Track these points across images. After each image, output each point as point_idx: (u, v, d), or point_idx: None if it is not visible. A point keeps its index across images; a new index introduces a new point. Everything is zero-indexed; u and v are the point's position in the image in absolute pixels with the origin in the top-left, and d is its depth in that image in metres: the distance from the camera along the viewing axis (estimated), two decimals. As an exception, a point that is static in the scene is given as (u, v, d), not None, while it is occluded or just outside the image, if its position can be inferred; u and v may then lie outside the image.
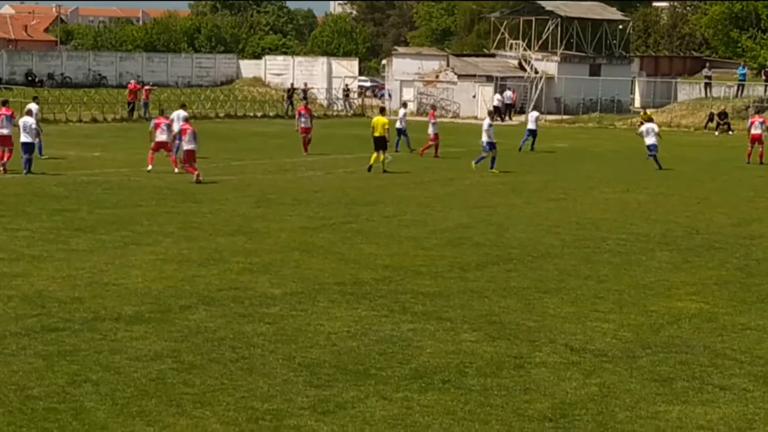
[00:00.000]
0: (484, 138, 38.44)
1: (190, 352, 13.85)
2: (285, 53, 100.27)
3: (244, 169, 37.49)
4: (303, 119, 44.34)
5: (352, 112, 77.37)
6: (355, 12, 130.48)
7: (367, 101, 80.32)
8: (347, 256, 20.87)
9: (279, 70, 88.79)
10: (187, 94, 73.54)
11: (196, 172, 32.83)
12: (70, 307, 15.99)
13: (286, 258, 20.54)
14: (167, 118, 36.77)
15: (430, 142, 44.01)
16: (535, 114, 51.53)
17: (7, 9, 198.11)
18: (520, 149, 47.85)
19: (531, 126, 49.40)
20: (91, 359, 13.42)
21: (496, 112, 73.56)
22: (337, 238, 23.04)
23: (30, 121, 34.20)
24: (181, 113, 37.57)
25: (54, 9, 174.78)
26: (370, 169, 37.17)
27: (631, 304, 17.40)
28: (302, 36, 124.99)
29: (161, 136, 35.13)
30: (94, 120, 59.87)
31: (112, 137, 48.93)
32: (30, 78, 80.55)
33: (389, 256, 20.94)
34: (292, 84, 79.53)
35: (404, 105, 51.19)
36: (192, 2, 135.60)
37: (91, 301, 16.40)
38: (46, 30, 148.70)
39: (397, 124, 45.80)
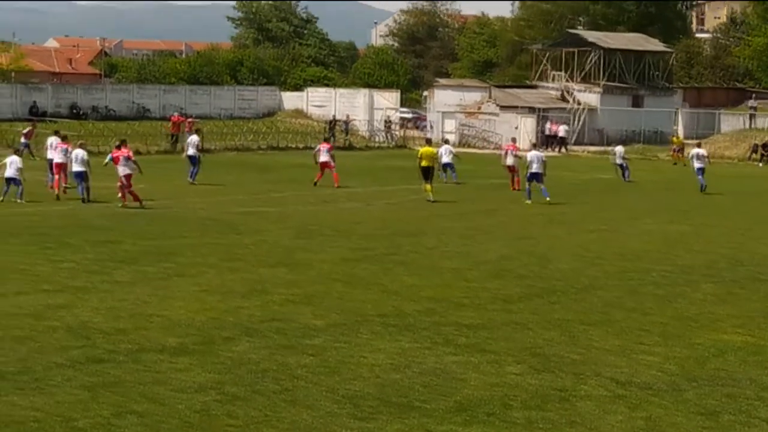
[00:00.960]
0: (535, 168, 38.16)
1: (234, 384, 13.85)
2: (327, 85, 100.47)
3: (285, 201, 37.56)
4: (324, 154, 43.41)
5: (393, 143, 77.40)
6: (396, 44, 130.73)
7: (409, 133, 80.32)
8: (390, 288, 20.83)
9: (321, 102, 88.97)
10: (230, 126, 73.89)
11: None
12: (114, 339, 16.04)
13: (329, 289, 20.53)
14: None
15: (511, 173, 43.29)
16: (620, 149, 51.13)
17: (52, 42, 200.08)
18: (626, 178, 48.71)
19: (618, 161, 49.21)
20: (136, 391, 13.44)
21: (560, 143, 73.82)
22: (380, 270, 23.03)
23: (81, 152, 35.36)
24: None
25: (98, 42, 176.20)
26: (430, 199, 37.17)
27: (676, 336, 17.26)
28: (344, 68, 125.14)
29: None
30: (138, 152, 59.84)
31: (154, 169, 49.10)
32: (75, 111, 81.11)
33: (432, 288, 20.90)
34: (334, 116, 79.72)
35: (446, 141, 51.12)
36: (234, 35, 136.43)
37: (134, 333, 16.45)
38: (91, 63, 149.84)
39: (444, 159, 45.23)
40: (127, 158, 34.36)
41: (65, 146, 37.78)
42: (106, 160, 35.24)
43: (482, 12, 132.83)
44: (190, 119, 66.87)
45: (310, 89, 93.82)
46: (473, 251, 26.25)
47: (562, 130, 75.17)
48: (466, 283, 21.58)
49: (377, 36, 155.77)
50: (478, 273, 22.94)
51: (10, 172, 34.97)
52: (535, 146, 42.66)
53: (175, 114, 70.00)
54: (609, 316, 18.71)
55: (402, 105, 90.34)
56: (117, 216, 31.37)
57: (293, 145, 71.10)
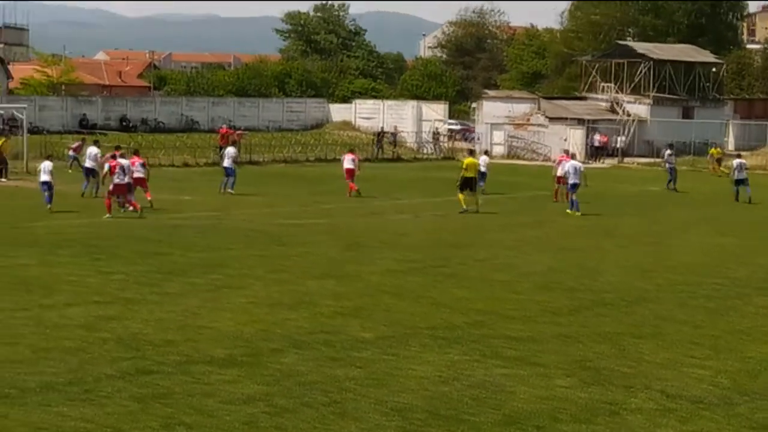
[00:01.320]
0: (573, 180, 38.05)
1: (282, 396, 13.85)
2: (374, 97, 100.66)
3: (333, 213, 37.61)
4: (348, 161, 44.71)
5: (441, 155, 77.36)
6: (445, 56, 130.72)
7: (457, 144, 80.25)
8: (438, 300, 20.78)
9: (368, 114, 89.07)
10: (278, 138, 74.13)
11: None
12: (164, 350, 16.09)
13: (377, 301, 20.51)
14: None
15: (559, 185, 43.03)
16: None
17: (102, 55, 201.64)
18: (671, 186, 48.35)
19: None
20: (185, 402, 13.47)
21: (610, 153, 73.84)
22: (428, 282, 22.97)
23: (124, 162, 35.42)
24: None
25: (147, 55, 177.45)
26: (464, 211, 37.17)
27: (728, 349, 17.10)
28: (392, 80, 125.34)
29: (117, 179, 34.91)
30: (186, 164, 60.54)
31: (203, 181, 49.39)
32: (124, 123, 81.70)
33: (481, 300, 20.82)
34: (382, 128, 79.79)
35: (486, 153, 51.06)
36: (282, 47, 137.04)
37: (183, 344, 16.49)
38: (140, 76, 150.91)
39: (481, 169, 45.28)
40: (143, 164, 35.35)
41: (140, 161, 37.43)
42: (105, 169, 35.75)
43: (531, 23, 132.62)
44: (238, 131, 67.15)
45: (357, 101, 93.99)
46: (521, 263, 26.15)
47: (619, 142, 75.47)
48: (515, 296, 21.49)
49: (425, 47, 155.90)
50: (526, 285, 22.84)
51: (44, 177, 35.33)
52: (573, 156, 42.51)
53: (224, 126, 70.31)
54: (660, 329, 18.56)
55: (450, 117, 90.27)
56: (166, 228, 31.51)
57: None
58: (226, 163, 44.12)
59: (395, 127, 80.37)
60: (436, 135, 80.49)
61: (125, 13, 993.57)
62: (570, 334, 17.95)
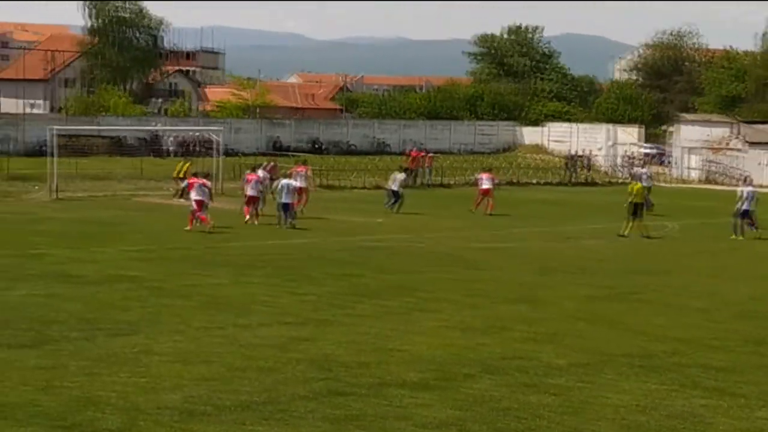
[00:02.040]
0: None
1: (475, 422, 13.65)
2: (567, 120, 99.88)
3: (525, 237, 37.30)
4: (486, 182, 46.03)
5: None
6: (640, 78, 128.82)
7: (653, 169, 78.88)
8: (634, 327, 20.31)
9: (560, 137, 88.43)
10: (469, 161, 74.11)
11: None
12: (356, 372, 16.07)
13: (571, 328, 20.16)
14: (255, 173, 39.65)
15: None
16: None
17: (294, 78, 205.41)
18: None
19: None
20: (378, 425, 13.38)
21: None
22: (624, 309, 22.52)
23: (291, 183, 37.65)
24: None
25: (339, 78, 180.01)
26: (624, 236, 36.52)
27: None
28: (584, 102, 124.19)
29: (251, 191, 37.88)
30: (377, 187, 60.83)
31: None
32: (316, 146, 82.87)
33: (678, 328, 20.28)
34: (576, 151, 79.02)
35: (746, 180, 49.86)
36: (473, 70, 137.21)
37: (376, 367, 16.45)
38: (332, 98, 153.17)
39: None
40: (202, 185, 35.97)
41: (304, 169, 41.21)
42: (183, 185, 36.90)
43: (730, 46, 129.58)
44: (429, 154, 67.29)
45: (550, 124, 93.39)
46: (720, 291, 25.44)
47: None
48: (714, 324, 20.89)
49: (617, 70, 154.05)
50: (726, 313, 22.19)
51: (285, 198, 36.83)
52: (750, 183, 41.13)
53: (414, 149, 70.59)
54: None
55: (645, 140, 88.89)
56: (358, 250, 31.68)
57: (533, 181, 70.72)
58: (394, 186, 44.67)
59: (589, 151, 79.52)
60: (630, 159, 79.32)
61: (318, 36, 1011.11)
62: (773, 365, 17.32)
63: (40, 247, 29.90)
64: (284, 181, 37.50)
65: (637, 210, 37.66)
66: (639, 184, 39.41)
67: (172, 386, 14.90)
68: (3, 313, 19.80)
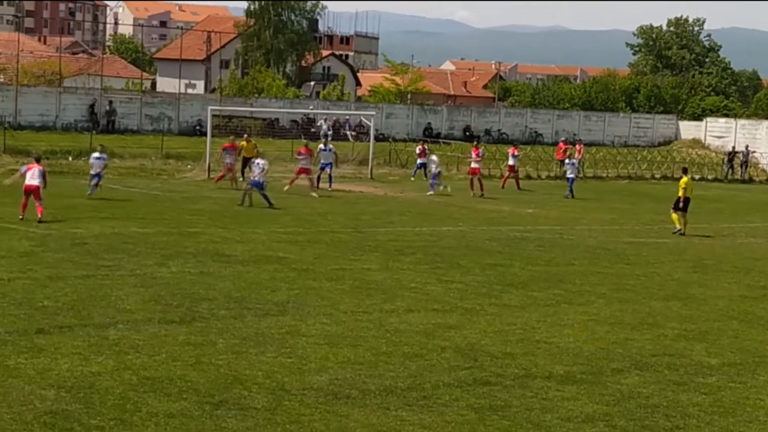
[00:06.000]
0: None
1: (623, 417, 13.41)
2: (726, 115, 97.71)
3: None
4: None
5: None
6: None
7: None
8: (790, 329, 19.76)
9: (720, 133, 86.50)
10: (623, 154, 73.05)
11: None
12: (502, 362, 15.94)
13: (724, 327, 19.70)
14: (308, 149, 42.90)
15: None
16: None
17: (448, 65, 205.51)
18: None
19: None
20: (523, 416, 13.24)
21: None
22: (779, 309, 21.92)
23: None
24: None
25: (493, 66, 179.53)
26: (677, 231, 35.25)
27: None
28: (745, 98, 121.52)
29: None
30: (528, 176, 60.37)
31: (545, 194, 49.17)
32: (468, 133, 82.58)
33: (837, 332, 19.64)
34: (734, 147, 77.22)
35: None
36: (632, 61, 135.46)
37: (522, 358, 16.29)
38: (485, 86, 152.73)
39: None
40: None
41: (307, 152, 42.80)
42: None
43: None
44: (579, 145, 66.36)
45: (709, 119, 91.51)
46: None
47: None
48: None
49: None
50: None
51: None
52: None
53: (563, 140, 69.65)
54: None
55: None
56: (507, 240, 31.43)
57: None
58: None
59: (746, 147, 77.62)
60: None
61: (474, 24, 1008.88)
62: None
63: (197, 226, 30.37)
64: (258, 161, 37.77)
65: (686, 204, 36.36)
66: (688, 178, 38.09)
67: (318, 368, 14.97)
68: (156, 289, 20.17)
